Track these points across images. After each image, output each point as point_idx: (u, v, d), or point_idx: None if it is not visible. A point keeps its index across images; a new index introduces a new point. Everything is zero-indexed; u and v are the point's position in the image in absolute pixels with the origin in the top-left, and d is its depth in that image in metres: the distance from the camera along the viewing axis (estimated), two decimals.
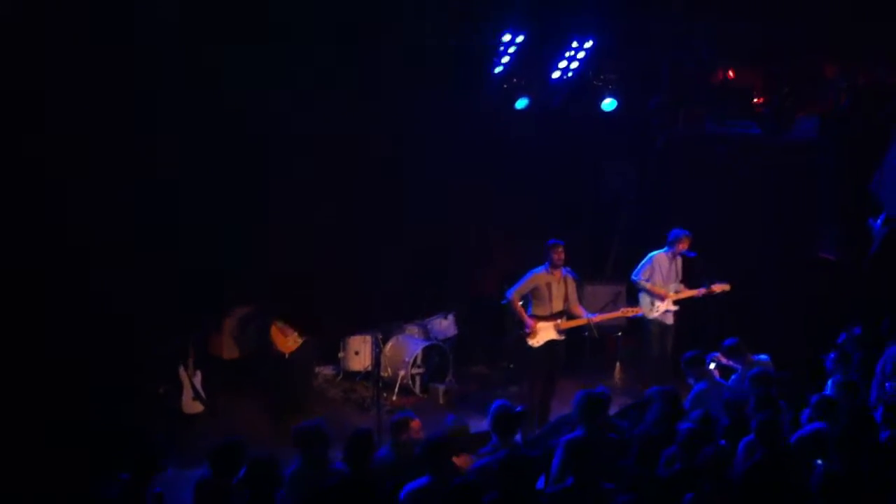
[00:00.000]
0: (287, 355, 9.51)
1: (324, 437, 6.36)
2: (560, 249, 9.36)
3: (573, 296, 9.54)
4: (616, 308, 10.03)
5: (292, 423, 8.91)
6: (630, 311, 10.03)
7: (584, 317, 9.49)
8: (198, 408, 9.49)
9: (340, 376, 11.30)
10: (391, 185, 11.23)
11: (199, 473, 6.25)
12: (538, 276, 9.41)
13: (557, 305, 9.43)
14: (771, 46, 10.52)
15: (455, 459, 6.45)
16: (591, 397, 6.84)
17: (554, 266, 9.36)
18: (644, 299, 10.34)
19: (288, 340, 9.48)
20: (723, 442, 6.77)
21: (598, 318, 9.54)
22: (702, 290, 10.21)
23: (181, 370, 9.39)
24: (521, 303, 9.45)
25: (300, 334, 9.50)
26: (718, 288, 10.21)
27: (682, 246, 10.25)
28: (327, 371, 11.40)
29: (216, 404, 9.64)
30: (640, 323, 10.47)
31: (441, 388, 10.75)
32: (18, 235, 8.27)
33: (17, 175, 8.25)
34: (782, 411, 7.29)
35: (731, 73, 11.03)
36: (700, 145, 11.87)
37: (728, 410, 7.40)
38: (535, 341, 9.38)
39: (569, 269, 9.47)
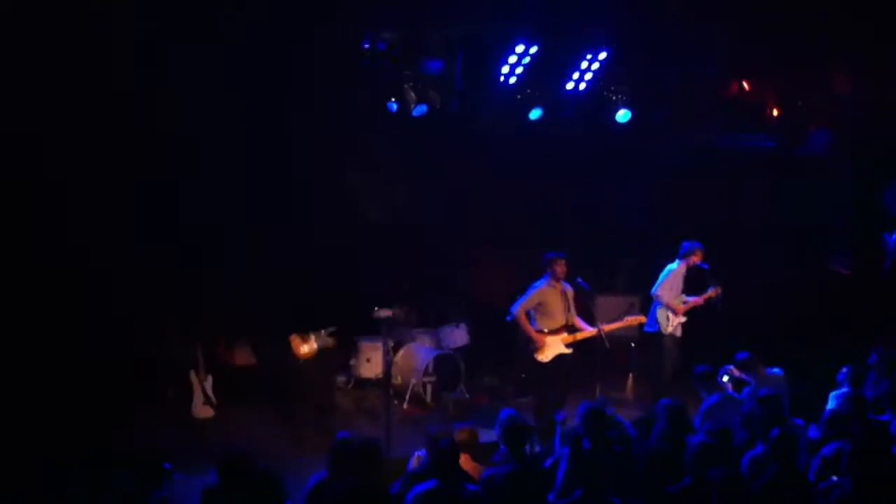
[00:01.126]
0: (304, 361, 9.44)
1: (354, 450, 6.31)
2: (562, 262, 9.32)
3: (572, 308, 9.50)
4: (622, 318, 9.95)
5: (309, 431, 9.04)
6: (635, 321, 9.96)
7: (585, 328, 9.45)
8: (208, 413, 9.49)
9: (352, 384, 11.31)
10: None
11: (206, 480, 6.25)
12: (542, 290, 9.36)
13: (562, 319, 9.39)
14: (785, 60, 10.46)
15: (466, 464, 6.43)
16: (595, 410, 6.82)
17: (556, 279, 9.33)
18: (661, 314, 10.27)
19: (305, 346, 9.42)
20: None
21: (604, 329, 9.47)
22: (704, 297, 10.22)
23: (192, 375, 9.39)
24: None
25: (317, 339, 9.43)
26: (714, 292, 10.23)
27: (696, 258, 10.22)
28: (339, 378, 11.41)
29: (227, 410, 9.64)
30: (654, 336, 10.41)
31: (452, 397, 10.73)
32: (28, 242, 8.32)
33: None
34: (798, 428, 7.25)
35: (745, 86, 10.96)
36: (712, 158, 11.81)
37: (746, 425, 7.34)
38: (545, 356, 9.33)
39: (566, 281, 9.44)
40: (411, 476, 6.38)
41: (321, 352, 9.44)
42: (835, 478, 6.20)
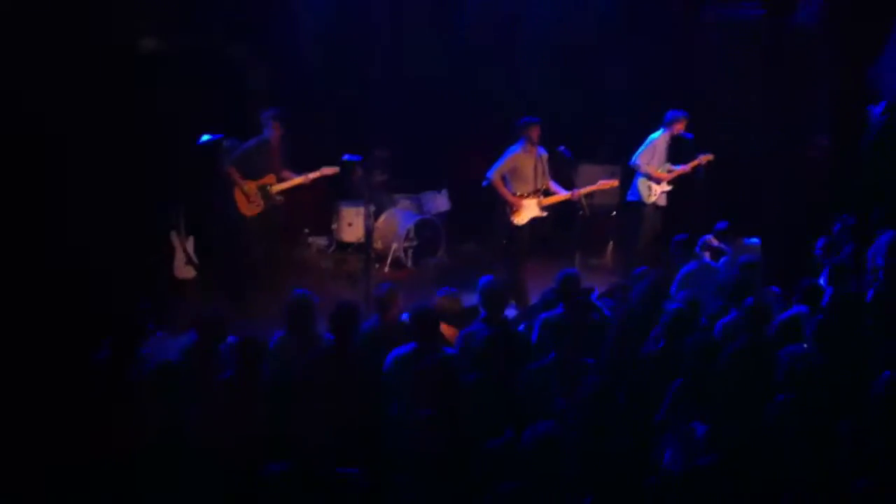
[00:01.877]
0: (250, 218, 9.32)
1: (310, 307, 6.43)
2: (536, 127, 9.28)
3: (547, 172, 9.53)
4: (595, 182, 9.95)
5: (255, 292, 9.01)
6: (607, 184, 9.93)
7: (559, 192, 9.50)
8: (190, 273, 9.52)
9: (333, 248, 11.35)
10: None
11: (186, 339, 6.34)
12: (517, 155, 9.36)
13: (537, 183, 9.44)
14: None
15: (444, 329, 6.54)
16: (571, 275, 6.91)
17: (531, 143, 9.32)
18: (642, 184, 10.29)
19: (251, 204, 9.28)
20: (703, 321, 6.86)
21: (577, 192, 9.49)
22: (692, 164, 10.22)
23: (173, 235, 9.38)
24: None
25: (264, 200, 9.29)
26: (704, 159, 10.22)
27: (679, 127, 10.17)
28: (320, 242, 11.45)
29: (210, 270, 9.67)
30: (635, 205, 10.45)
31: (432, 262, 10.80)
32: None
33: None
34: (774, 296, 7.35)
35: None
36: (700, 26, 11.61)
37: (721, 293, 7.44)
38: (520, 219, 9.41)
39: (542, 146, 9.43)
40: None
41: (268, 210, 9.32)
42: (805, 345, 6.32)
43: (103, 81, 8.54)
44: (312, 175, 9.32)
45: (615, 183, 10.14)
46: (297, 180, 9.31)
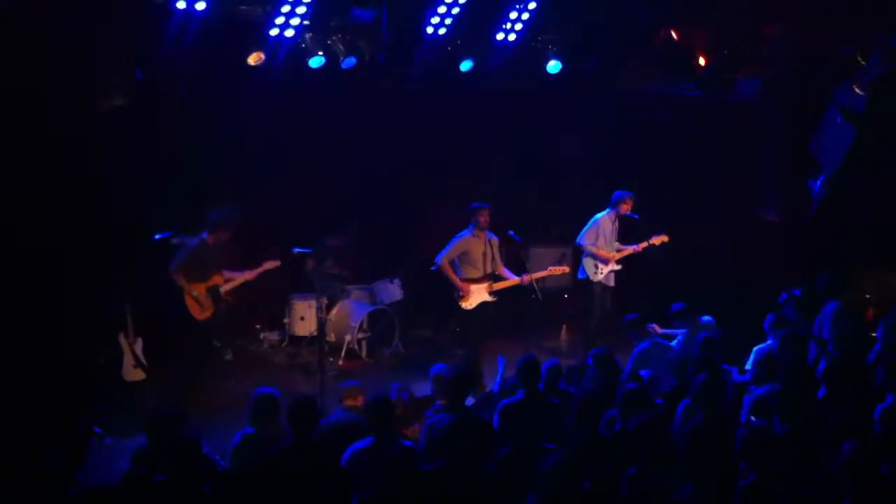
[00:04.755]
0: (203, 322, 9.18)
1: (276, 405, 6.33)
2: (486, 212, 9.38)
3: (497, 257, 9.59)
4: (546, 268, 9.99)
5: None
6: (558, 270, 10.02)
7: (510, 277, 9.53)
8: (139, 375, 9.33)
9: (286, 342, 11.24)
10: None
11: (137, 443, 6.18)
12: (466, 239, 9.44)
13: (486, 267, 9.49)
14: (712, 6, 10.45)
15: (405, 431, 6.48)
16: (529, 362, 6.87)
17: (479, 228, 9.39)
18: (588, 263, 10.37)
19: (202, 308, 9.13)
20: (659, 401, 6.83)
21: (528, 278, 9.50)
22: (642, 245, 10.29)
23: (121, 338, 9.22)
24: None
25: (214, 302, 9.18)
26: (657, 240, 10.31)
27: (626, 207, 10.28)
28: (273, 336, 11.34)
29: (160, 372, 9.49)
30: (584, 285, 10.51)
31: (387, 352, 10.72)
32: None
33: None
34: (723, 373, 7.34)
35: (673, 34, 10.94)
36: (642, 106, 11.85)
37: (674, 372, 7.43)
38: (469, 304, 9.44)
39: (492, 231, 9.50)
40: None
41: (219, 311, 9.21)
42: (754, 419, 6.30)
43: (52, 178, 8.53)
44: (256, 271, 9.26)
45: (566, 269, 10.22)
46: (242, 278, 9.22)
